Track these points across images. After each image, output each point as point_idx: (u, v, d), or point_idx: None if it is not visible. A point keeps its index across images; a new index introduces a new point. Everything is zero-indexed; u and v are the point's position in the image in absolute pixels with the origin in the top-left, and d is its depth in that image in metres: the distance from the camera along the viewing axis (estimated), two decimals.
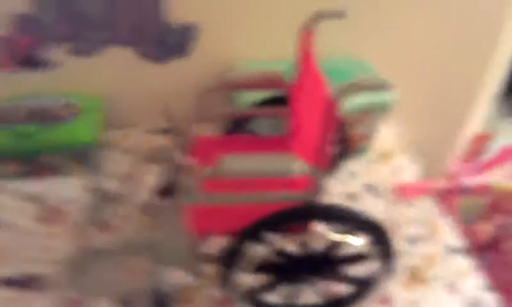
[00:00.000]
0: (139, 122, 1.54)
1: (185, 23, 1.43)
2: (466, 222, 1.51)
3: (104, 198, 1.15)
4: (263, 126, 1.26)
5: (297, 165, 0.82)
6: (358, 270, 1.03)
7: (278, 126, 1.23)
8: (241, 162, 0.83)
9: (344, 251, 1.01)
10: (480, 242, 1.49)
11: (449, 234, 1.28)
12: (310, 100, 0.90)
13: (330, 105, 0.76)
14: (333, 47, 1.44)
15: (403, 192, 1.40)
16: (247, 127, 1.21)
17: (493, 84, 1.74)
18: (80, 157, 1.36)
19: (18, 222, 1.19)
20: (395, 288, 1.12)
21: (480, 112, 1.79)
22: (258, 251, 0.90)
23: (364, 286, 1.00)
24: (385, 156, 1.56)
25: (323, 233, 0.90)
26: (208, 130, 1.23)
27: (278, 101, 1.14)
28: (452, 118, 1.77)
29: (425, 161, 1.59)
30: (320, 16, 0.96)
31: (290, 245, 0.97)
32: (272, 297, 1.05)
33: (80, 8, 1.35)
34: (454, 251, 1.23)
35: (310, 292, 1.07)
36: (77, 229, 1.18)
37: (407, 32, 1.55)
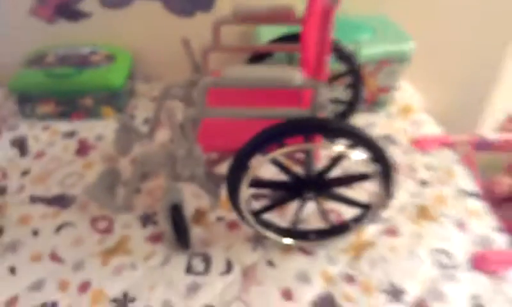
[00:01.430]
0: (164, 76, 1.63)
1: None
2: (486, 178, 1.49)
3: (130, 135, 1.25)
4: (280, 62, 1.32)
5: (298, 76, 0.86)
6: (360, 195, 1.08)
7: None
8: (244, 70, 0.88)
9: (346, 172, 1.06)
10: (500, 195, 1.47)
11: (463, 179, 1.29)
12: (314, 18, 0.94)
13: (326, 10, 0.80)
14: (354, 2, 1.48)
15: (420, 144, 1.42)
16: (265, 63, 1.28)
17: None
18: (110, 100, 1.46)
19: (60, 155, 1.37)
20: (402, 221, 1.15)
21: None
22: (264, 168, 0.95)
23: (366, 209, 1.03)
24: (405, 110, 1.57)
25: (327, 145, 0.94)
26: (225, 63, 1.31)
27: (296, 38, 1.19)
28: (479, 82, 1.73)
29: (448, 122, 1.56)
30: None
31: (296, 166, 1.02)
32: (278, 220, 1.11)
33: None
34: (466, 194, 1.24)
35: (315, 217, 1.12)
36: (107, 160, 1.34)
37: None
